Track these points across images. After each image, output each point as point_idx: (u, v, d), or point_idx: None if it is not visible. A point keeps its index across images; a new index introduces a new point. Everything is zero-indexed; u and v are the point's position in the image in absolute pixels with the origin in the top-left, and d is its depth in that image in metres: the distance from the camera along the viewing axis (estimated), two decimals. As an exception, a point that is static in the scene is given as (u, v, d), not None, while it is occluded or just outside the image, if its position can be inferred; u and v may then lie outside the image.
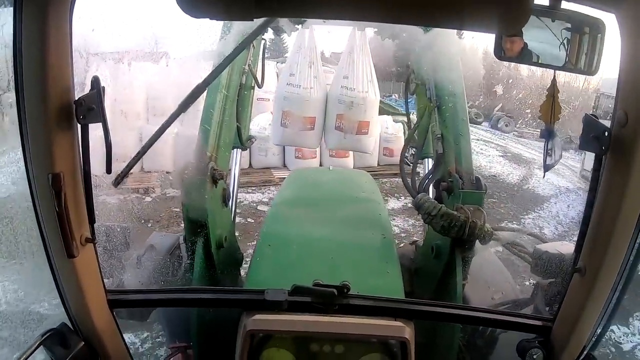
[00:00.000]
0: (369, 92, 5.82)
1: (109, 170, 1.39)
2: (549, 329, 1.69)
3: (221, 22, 2.39)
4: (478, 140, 12.53)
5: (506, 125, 15.76)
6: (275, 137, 5.97)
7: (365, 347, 1.56)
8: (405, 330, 1.52)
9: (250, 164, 10.08)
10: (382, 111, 9.56)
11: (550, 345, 1.68)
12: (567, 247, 2.23)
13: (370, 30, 4.28)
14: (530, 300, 2.24)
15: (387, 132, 10.64)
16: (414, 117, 3.08)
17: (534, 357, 1.66)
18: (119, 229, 2.28)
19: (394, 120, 10.80)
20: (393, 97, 15.75)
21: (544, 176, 9.02)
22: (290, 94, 5.71)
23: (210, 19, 1.03)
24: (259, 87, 2.97)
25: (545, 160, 1.59)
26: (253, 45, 2.69)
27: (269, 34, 3.13)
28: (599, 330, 1.61)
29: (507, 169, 10.28)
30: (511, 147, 13.04)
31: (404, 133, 10.14)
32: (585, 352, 1.63)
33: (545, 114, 1.52)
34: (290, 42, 6.00)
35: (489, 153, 11.43)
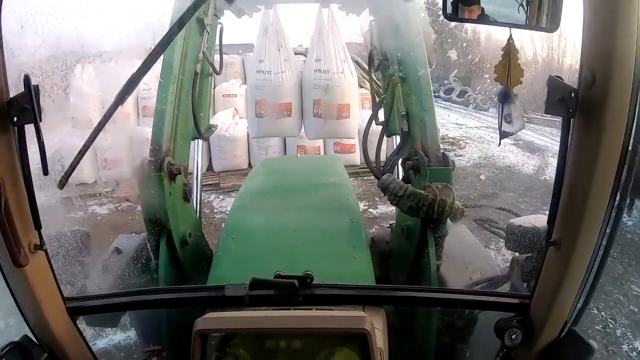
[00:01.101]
0: (344, 72, 5.74)
1: (45, 172, 1.31)
2: (527, 307, 1.64)
3: None
4: (487, 127, 12.26)
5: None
6: (252, 130, 5.89)
7: (326, 341, 1.48)
8: (366, 321, 1.43)
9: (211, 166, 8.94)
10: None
11: (530, 323, 1.62)
12: (541, 220, 2.16)
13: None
14: (506, 278, 2.19)
15: None
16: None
17: (513, 337, 1.60)
18: (79, 234, 2.19)
19: (498, 145, 10.13)
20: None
21: (499, 144, 8.97)
22: (261, 81, 5.62)
23: None
24: (217, 74, 2.87)
25: (500, 127, 1.48)
26: (207, 31, 2.57)
27: (227, 17, 3.00)
28: (579, 305, 1.55)
29: (521, 158, 9.88)
30: (522, 135, 12.12)
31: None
32: (567, 328, 1.57)
33: (501, 75, 1.42)
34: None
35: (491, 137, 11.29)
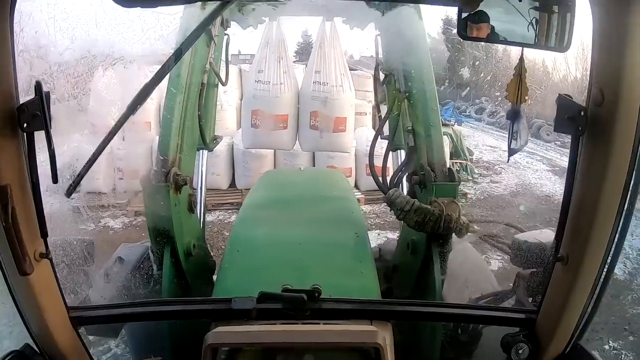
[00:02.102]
0: (343, 86, 5.78)
1: (54, 179, 1.29)
2: (533, 321, 1.64)
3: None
4: (521, 151, 11.80)
5: (547, 134, 14.08)
6: (245, 140, 5.91)
7: (338, 355, 1.49)
8: (378, 335, 1.44)
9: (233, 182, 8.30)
10: None
11: (536, 338, 1.62)
12: (547, 235, 2.19)
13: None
14: (511, 293, 2.20)
15: None
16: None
17: (520, 352, 1.60)
18: (84, 243, 2.17)
19: (507, 161, 9.71)
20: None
21: (507, 161, 8.96)
22: (259, 91, 5.64)
23: (142, 7, 0.94)
24: (223, 84, 2.87)
25: (509, 144, 1.52)
26: (214, 42, 2.59)
27: (233, 29, 3.02)
28: (585, 319, 1.55)
29: (559, 187, 9.23)
30: (557, 160, 11.85)
31: (455, 145, 9.08)
32: (572, 343, 1.58)
33: (511, 94, 1.46)
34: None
35: (536, 167, 10.74)
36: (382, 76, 2.73)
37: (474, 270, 2.68)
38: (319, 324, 1.56)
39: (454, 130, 9.23)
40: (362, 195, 7.61)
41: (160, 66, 1.45)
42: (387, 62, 2.68)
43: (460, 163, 8.95)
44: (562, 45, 1.37)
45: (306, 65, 6.62)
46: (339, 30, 5.38)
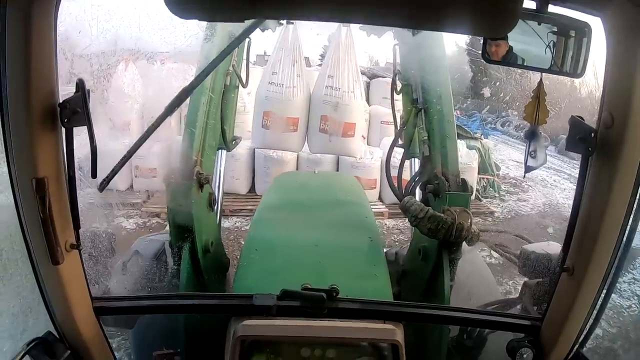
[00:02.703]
0: (354, 92, 5.86)
1: (94, 174, 1.35)
2: (537, 328, 1.71)
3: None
4: (549, 168, 11.18)
5: (577, 152, 14.06)
6: (255, 140, 5.99)
7: (357, 351, 1.55)
8: (397, 333, 1.51)
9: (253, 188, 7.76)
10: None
11: (540, 344, 1.69)
12: (554, 247, 2.25)
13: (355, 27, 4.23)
14: (517, 300, 2.26)
15: (459, 160, 8.70)
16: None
17: (524, 356, 1.67)
18: (104, 235, 2.23)
19: (467, 147, 8.46)
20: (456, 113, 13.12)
21: (524, 176, 8.69)
22: (272, 93, 5.73)
23: (200, 20, 1.01)
24: (244, 87, 2.94)
25: (525, 162, 1.59)
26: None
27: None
28: (587, 329, 1.62)
29: None
30: None
31: (483, 160, 8.49)
32: (574, 350, 1.65)
33: (529, 115, 1.52)
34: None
35: (564, 186, 10.17)
36: (399, 85, 2.78)
37: (480, 280, 2.74)
38: (335, 322, 1.61)
39: (483, 145, 8.90)
40: (386, 209, 7.12)
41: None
42: (404, 71, 2.73)
43: (487, 179, 8.57)
44: (576, 71, 1.42)
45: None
46: (355, 37, 5.49)
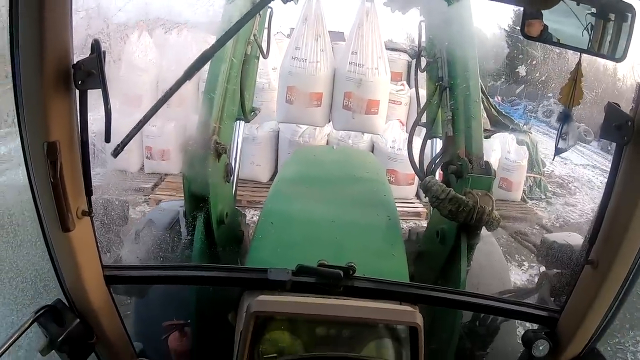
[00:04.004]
0: (379, 69, 5.75)
1: (107, 139, 1.29)
2: (555, 320, 1.67)
3: None
4: (594, 167, 10.56)
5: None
6: (279, 114, 5.94)
7: (374, 332, 1.51)
8: (417, 316, 1.46)
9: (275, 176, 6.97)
10: (497, 122, 7.99)
11: (556, 337, 1.65)
12: (575, 238, 2.20)
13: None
14: (534, 290, 2.21)
15: (507, 157, 7.36)
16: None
17: (540, 348, 1.63)
18: (117, 202, 2.22)
19: (517, 142, 7.64)
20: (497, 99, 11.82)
21: (553, 159, 8.16)
22: (295, 68, 5.65)
23: None
24: (264, 57, 2.90)
25: (557, 143, 1.54)
26: (259, 14, 2.61)
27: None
28: (605, 324, 1.58)
29: None
30: None
31: (530, 156, 7.62)
32: (590, 345, 1.61)
33: (565, 96, 1.47)
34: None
35: None
36: (423, 63, 2.71)
37: (493, 268, 2.69)
38: (350, 301, 1.59)
39: (531, 139, 8.10)
40: (424, 209, 6.40)
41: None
42: (430, 48, 2.65)
43: (534, 178, 7.93)
44: (614, 54, 1.36)
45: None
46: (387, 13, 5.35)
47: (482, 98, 3.01)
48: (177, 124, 6.33)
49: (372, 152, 6.53)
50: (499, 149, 7.09)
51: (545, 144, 10.35)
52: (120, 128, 1.30)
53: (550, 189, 8.21)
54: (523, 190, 7.44)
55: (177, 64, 5.74)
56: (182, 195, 2.26)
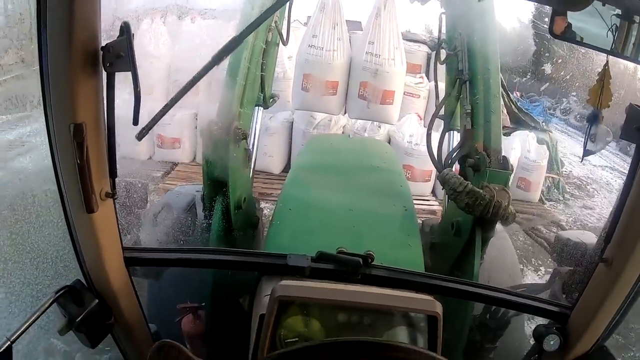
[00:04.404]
0: (395, 59, 5.71)
1: (135, 121, 1.29)
2: (566, 317, 1.67)
3: None
4: (612, 169, 10.17)
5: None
6: (295, 102, 5.93)
7: (394, 320, 1.52)
8: (436, 305, 1.48)
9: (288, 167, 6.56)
10: (518, 120, 7.78)
11: (567, 333, 1.66)
12: (589, 237, 2.21)
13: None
14: (546, 286, 2.22)
15: (527, 156, 6.94)
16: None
17: (551, 342, 1.64)
18: (139, 185, 2.24)
19: (537, 141, 7.15)
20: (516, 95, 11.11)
21: (581, 160, 7.80)
22: (312, 56, 5.64)
23: None
24: (284, 44, 2.90)
25: (585, 145, 1.55)
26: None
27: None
28: (615, 323, 1.59)
29: None
30: None
31: (550, 155, 7.21)
32: (600, 343, 1.62)
33: (593, 97, 1.47)
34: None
35: None
36: (443, 55, 2.70)
37: (506, 262, 2.70)
38: (375, 288, 1.60)
39: (552, 138, 7.67)
40: (440, 207, 5.93)
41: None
42: (450, 41, 2.64)
43: (552, 178, 7.52)
44: (638, 56, 1.36)
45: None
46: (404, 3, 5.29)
47: (502, 94, 2.99)
48: (189, 112, 6.23)
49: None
50: (519, 148, 6.83)
51: (564, 142, 10.02)
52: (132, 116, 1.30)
53: (568, 190, 7.89)
54: (541, 191, 7.17)
55: (191, 52, 5.66)
56: (193, 182, 2.28)
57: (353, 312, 1.50)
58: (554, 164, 7.40)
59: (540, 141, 7.19)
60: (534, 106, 11.66)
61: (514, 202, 2.02)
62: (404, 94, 6.22)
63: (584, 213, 7.30)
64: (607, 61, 1.44)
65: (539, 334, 1.66)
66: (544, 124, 8.17)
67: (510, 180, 2.12)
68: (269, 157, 6.36)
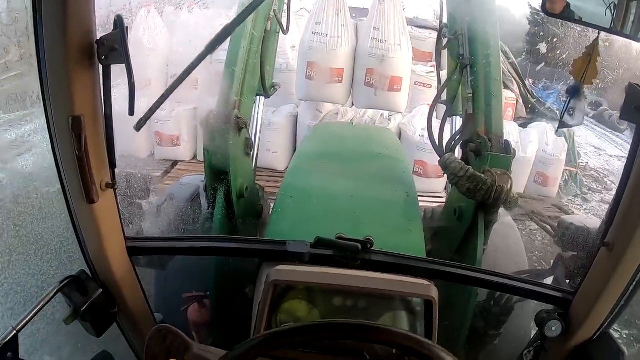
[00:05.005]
0: (401, 45, 5.64)
1: (131, 112, 1.29)
2: (569, 302, 1.67)
3: None
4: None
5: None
6: (299, 91, 5.87)
7: (390, 304, 1.53)
8: (432, 289, 1.48)
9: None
10: (533, 110, 7.54)
11: (569, 318, 1.65)
12: (593, 221, 2.20)
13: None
14: (549, 272, 2.21)
15: (545, 149, 6.48)
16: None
17: (553, 328, 1.63)
18: (140, 176, 2.26)
19: (556, 133, 6.70)
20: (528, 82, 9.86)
21: (556, 131, 7.47)
22: (316, 43, 5.58)
23: None
24: (284, 33, 2.90)
25: (562, 117, 1.52)
26: None
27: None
28: (618, 309, 1.58)
29: None
30: None
31: (570, 151, 6.81)
32: (603, 329, 1.61)
33: (577, 70, 1.45)
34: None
35: None
36: (444, 41, 2.67)
37: (511, 249, 2.69)
38: (370, 273, 1.60)
39: (569, 129, 6.92)
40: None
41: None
42: (451, 25, 2.60)
43: (569, 171, 7.07)
44: (637, 34, 1.33)
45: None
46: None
47: (519, 83, 2.96)
48: (188, 107, 5.98)
49: (400, 140, 5.79)
50: (537, 141, 6.41)
51: (578, 131, 8.94)
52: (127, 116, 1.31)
53: (585, 183, 7.50)
54: (559, 186, 6.77)
55: (188, 43, 5.47)
56: (198, 173, 2.29)
57: (349, 296, 1.51)
58: (571, 155, 7.04)
59: (558, 133, 6.72)
60: (548, 94, 11.35)
61: (530, 200, 2.01)
62: (415, 83, 6.08)
63: (602, 207, 6.94)
64: (598, 37, 1.41)
65: (541, 320, 1.66)
66: (558, 112, 7.76)
67: (528, 174, 2.11)
68: (272, 154, 6.04)
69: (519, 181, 6.20)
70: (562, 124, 1.58)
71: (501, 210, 2.19)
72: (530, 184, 6.46)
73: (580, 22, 1.41)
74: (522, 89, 7.22)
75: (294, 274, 1.52)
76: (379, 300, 1.53)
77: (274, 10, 2.63)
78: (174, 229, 2.41)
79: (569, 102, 1.53)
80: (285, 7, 2.92)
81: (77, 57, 1.21)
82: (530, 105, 7.47)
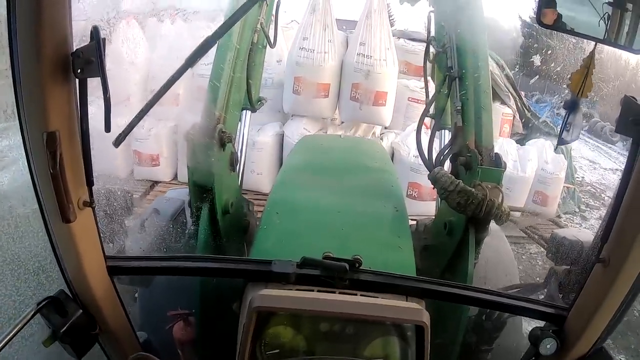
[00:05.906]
0: (387, 60, 5.70)
1: (107, 128, 1.25)
2: (563, 319, 1.63)
3: None
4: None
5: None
6: (286, 105, 5.89)
7: (378, 329, 1.47)
8: (423, 314, 1.42)
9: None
10: (527, 123, 7.34)
11: (564, 335, 1.62)
12: (586, 235, 2.18)
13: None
14: (541, 286, 2.19)
15: (545, 168, 6.36)
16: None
17: (548, 346, 1.60)
18: (119, 193, 2.21)
19: (555, 151, 6.61)
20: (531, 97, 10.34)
21: (555, 149, 7.58)
22: (303, 58, 5.62)
23: None
24: (271, 46, 2.86)
25: (560, 133, 1.51)
26: (266, 3, 2.58)
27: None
28: (613, 324, 1.55)
29: None
30: None
31: (568, 166, 6.69)
32: (597, 345, 1.58)
33: (574, 84, 1.43)
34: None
35: None
36: (432, 54, 2.67)
37: (503, 263, 2.67)
38: (356, 294, 1.55)
39: (566, 145, 6.89)
40: None
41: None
42: (439, 38, 2.60)
43: (567, 188, 6.98)
44: (632, 45, 1.33)
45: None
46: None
47: (515, 97, 2.96)
48: (167, 125, 5.79)
49: (392, 161, 5.71)
50: (535, 159, 6.31)
51: (573, 144, 8.55)
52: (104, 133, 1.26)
53: (583, 200, 7.45)
54: (558, 205, 6.69)
55: (170, 57, 5.30)
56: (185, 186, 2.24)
57: (336, 321, 1.45)
58: (569, 171, 6.94)
59: (557, 150, 6.71)
60: (540, 107, 11.43)
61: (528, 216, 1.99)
62: (408, 99, 6.11)
63: (599, 222, 6.76)
64: (593, 50, 1.40)
65: (535, 338, 1.62)
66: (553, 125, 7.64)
67: (526, 193, 2.10)
68: (257, 175, 5.75)
69: (518, 201, 6.16)
70: (561, 141, 1.56)
71: (493, 225, 2.16)
72: (529, 203, 6.35)
73: (573, 32, 1.40)
74: (518, 103, 7.15)
75: (278, 299, 1.45)
76: (367, 325, 1.47)
77: (261, 23, 2.59)
78: (158, 246, 2.35)
79: (567, 118, 1.52)
80: (273, 19, 2.89)
81: (51, 69, 1.15)
82: (524, 120, 7.39)
